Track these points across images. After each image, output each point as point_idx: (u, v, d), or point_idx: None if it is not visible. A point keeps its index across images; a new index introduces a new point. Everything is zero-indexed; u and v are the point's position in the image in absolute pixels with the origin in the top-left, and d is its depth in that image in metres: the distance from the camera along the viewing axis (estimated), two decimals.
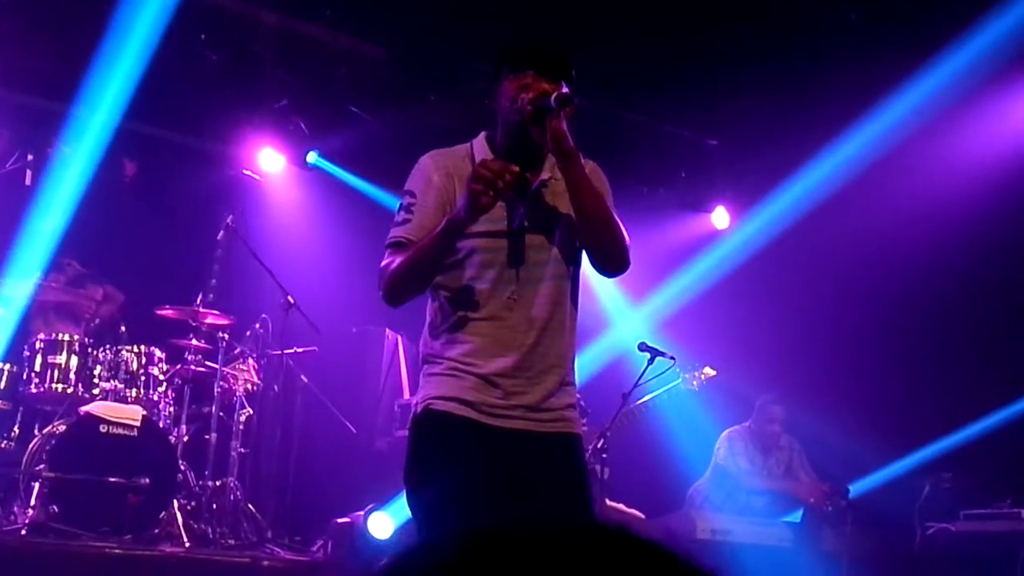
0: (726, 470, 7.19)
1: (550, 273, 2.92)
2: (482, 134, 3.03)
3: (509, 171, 2.70)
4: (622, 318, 8.20)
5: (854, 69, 6.82)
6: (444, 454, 2.80)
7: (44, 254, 6.83)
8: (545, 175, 2.96)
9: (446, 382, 2.85)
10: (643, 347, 6.50)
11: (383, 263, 2.91)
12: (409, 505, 2.88)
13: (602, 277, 3.09)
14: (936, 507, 6.80)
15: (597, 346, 7.80)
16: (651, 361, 6.48)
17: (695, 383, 6.97)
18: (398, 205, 2.97)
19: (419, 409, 2.88)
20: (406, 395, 8.08)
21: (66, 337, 6.45)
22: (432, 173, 2.92)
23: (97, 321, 6.67)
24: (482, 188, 2.65)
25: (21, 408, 6.44)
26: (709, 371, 7.02)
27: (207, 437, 6.82)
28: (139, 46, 6.80)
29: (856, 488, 7.07)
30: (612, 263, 2.98)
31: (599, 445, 6.36)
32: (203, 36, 7.22)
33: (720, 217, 9.13)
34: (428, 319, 3.00)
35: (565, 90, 2.80)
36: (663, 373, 6.61)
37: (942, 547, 6.59)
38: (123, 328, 6.71)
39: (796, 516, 7.00)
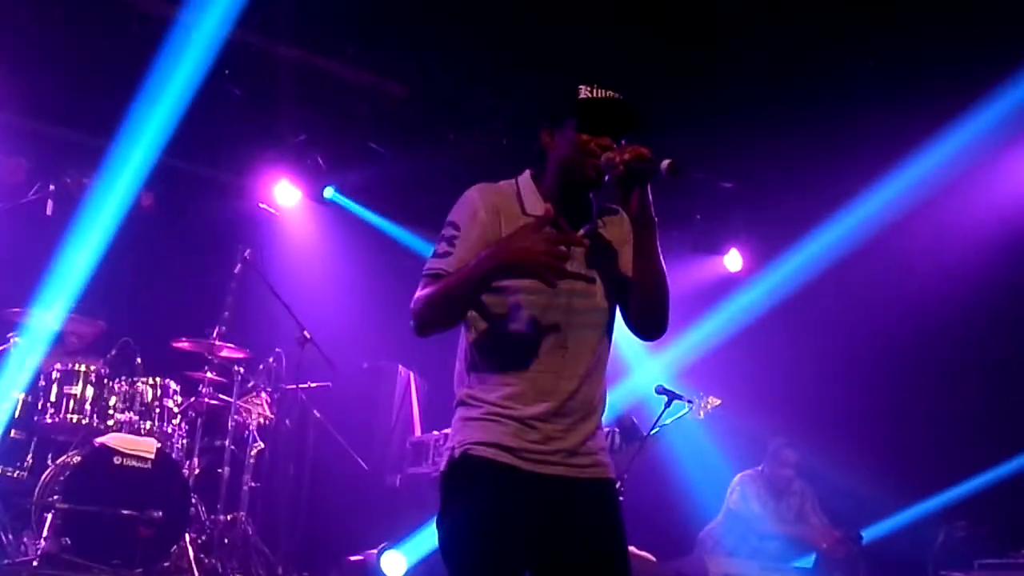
0: (738, 514, 7.17)
1: (593, 321, 2.90)
2: (527, 173, 2.97)
3: (576, 243, 2.76)
4: (637, 360, 8.18)
5: (873, 117, 6.83)
6: (484, 501, 2.77)
7: (69, 286, 6.84)
8: (589, 224, 2.94)
9: (486, 427, 2.81)
10: (660, 390, 6.50)
11: (417, 294, 2.82)
12: (443, 550, 2.85)
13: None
14: (950, 555, 6.75)
15: (616, 391, 7.79)
16: (668, 404, 6.48)
17: (701, 412, 6.95)
18: (440, 236, 2.87)
19: (457, 454, 2.83)
20: (417, 432, 8.06)
21: (82, 368, 6.44)
22: (479, 208, 2.85)
23: (114, 352, 6.65)
24: (550, 261, 2.62)
25: (35, 438, 6.41)
26: (714, 400, 6.99)
27: (219, 471, 6.81)
28: (169, 82, 6.84)
29: (869, 534, 7.05)
30: (655, 330, 2.97)
31: (617, 488, 6.32)
32: (227, 71, 7.26)
33: (733, 260, 9.13)
34: (463, 357, 2.93)
35: (668, 161, 2.70)
36: (680, 416, 6.60)
37: None
38: (139, 360, 6.70)
39: (808, 561, 6.97)
